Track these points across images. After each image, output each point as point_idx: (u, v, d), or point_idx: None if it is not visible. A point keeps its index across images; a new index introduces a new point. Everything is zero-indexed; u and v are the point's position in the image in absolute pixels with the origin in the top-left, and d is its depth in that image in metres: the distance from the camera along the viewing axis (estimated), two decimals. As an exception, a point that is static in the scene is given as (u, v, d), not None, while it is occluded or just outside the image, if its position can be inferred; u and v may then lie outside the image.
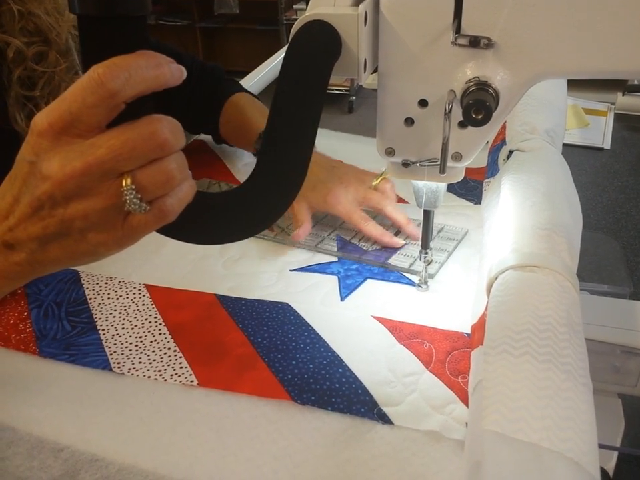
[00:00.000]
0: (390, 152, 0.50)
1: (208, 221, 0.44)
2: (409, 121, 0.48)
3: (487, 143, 0.87)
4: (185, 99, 0.90)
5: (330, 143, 0.98)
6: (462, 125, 0.47)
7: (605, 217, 0.87)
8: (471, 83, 0.43)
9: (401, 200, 0.79)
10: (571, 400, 0.39)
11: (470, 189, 0.84)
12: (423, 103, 0.46)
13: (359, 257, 0.68)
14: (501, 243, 0.56)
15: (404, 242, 0.69)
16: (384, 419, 0.49)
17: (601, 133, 1.12)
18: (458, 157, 0.48)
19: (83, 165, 0.36)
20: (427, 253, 0.62)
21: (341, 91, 3.41)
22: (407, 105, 0.47)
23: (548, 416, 0.38)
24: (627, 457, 0.65)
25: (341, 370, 0.54)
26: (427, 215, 0.59)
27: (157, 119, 0.38)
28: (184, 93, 0.90)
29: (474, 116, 0.42)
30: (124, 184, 0.37)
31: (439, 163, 0.47)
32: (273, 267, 0.70)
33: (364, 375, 0.53)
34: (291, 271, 0.69)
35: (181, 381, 0.53)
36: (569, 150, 1.04)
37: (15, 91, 0.68)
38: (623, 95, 1.23)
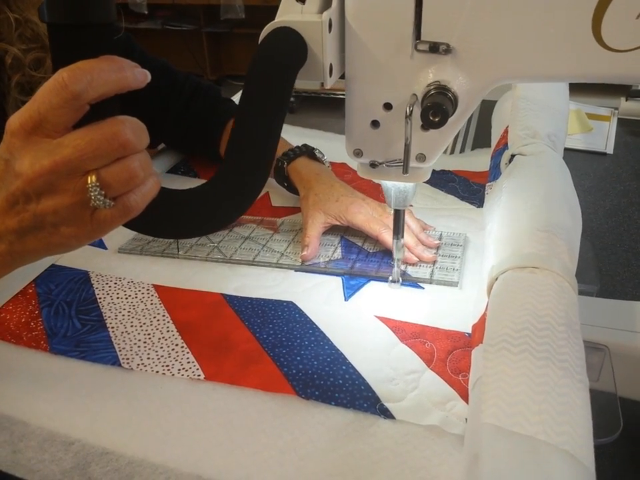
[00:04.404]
0: (358, 153, 0.52)
1: (172, 216, 0.46)
2: (375, 124, 0.49)
3: (490, 146, 0.89)
4: (175, 114, 0.91)
5: (335, 146, 0.99)
6: (424, 127, 0.48)
7: (607, 221, 0.87)
8: (432, 87, 0.44)
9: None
10: (568, 396, 0.40)
11: (473, 192, 0.85)
12: (388, 106, 0.48)
13: (368, 274, 0.68)
14: (502, 245, 0.57)
15: (416, 259, 0.69)
16: (386, 414, 0.50)
17: (604, 138, 1.12)
18: (422, 157, 0.50)
19: (51, 163, 0.39)
20: (399, 253, 0.63)
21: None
22: (373, 108, 0.49)
23: (545, 410, 0.39)
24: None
25: (344, 367, 0.55)
26: (398, 215, 0.61)
27: (120, 120, 0.40)
28: (174, 108, 0.91)
29: (431, 118, 0.43)
30: (89, 181, 0.39)
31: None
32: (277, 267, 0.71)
33: (367, 372, 0.54)
34: (295, 271, 0.70)
35: (188, 375, 0.55)
36: (572, 154, 1.05)
37: (13, 97, 0.70)
38: (626, 100, 1.24)
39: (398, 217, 0.61)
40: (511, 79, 0.45)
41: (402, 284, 0.66)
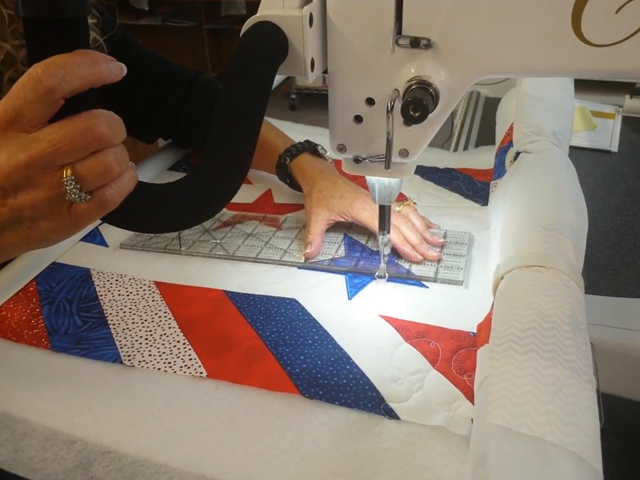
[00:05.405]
0: (341, 148, 0.52)
1: (150, 210, 0.46)
2: (358, 119, 0.49)
3: (495, 144, 0.88)
4: (173, 107, 0.91)
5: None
6: (406, 122, 0.48)
7: (612, 219, 0.87)
8: (413, 82, 0.44)
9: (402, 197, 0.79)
10: (575, 396, 0.40)
11: (477, 190, 0.85)
12: (370, 102, 0.48)
13: (372, 272, 0.68)
14: (507, 243, 0.56)
15: (421, 258, 0.69)
16: (390, 414, 0.49)
17: (608, 136, 1.12)
18: (405, 153, 0.50)
19: (26, 157, 0.39)
20: (385, 249, 0.63)
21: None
22: (356, 103, 0.48)
23: (552, 411, 0.38)
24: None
25: (348, 367, 0.54)
26: (383, 210, 0.61)
27: (95, 114, 0.40)
28: (171, 101, 0.90)
29: (412, 113, 0.43)
30: (64, 175, 0.39)
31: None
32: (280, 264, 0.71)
33: (371, 372, 0.54)
34: (298, 268, 0.70)
35: (190, 373, 0.54)
36: (576, 152, 1.05)
37: (5, 93, 0.70)
38: (630, 98, 1.23)
39: (383, 212, 0.61)
40: (491, 73, 0.45)
41: (388, 279, 0.67)
